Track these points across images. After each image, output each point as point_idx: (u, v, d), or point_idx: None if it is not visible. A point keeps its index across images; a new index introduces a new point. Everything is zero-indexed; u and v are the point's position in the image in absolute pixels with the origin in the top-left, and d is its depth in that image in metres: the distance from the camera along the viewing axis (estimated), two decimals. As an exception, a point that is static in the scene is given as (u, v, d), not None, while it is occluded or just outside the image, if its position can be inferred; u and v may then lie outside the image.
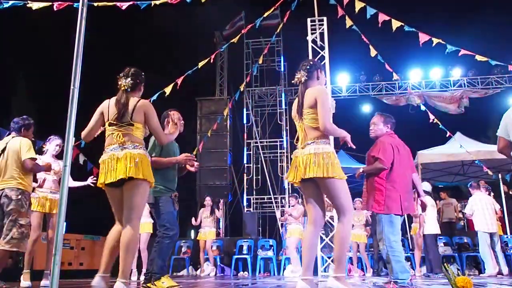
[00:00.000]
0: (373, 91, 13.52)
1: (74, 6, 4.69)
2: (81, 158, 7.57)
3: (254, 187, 13.38)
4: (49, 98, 11.88)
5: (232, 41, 8.41)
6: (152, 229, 7.09)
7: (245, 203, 12.95)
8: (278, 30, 10.53)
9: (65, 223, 2.39)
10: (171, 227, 4.01)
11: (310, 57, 6.89)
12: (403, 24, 7.09)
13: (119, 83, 3.33)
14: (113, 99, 3.31)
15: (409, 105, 12.94)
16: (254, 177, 13.48)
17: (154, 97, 7.36)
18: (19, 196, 4.15)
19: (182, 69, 7.69)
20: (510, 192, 10.08)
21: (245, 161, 13.45)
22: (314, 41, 7.09)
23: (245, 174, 13.28)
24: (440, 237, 8.30)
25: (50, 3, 5.67)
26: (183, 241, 9.68)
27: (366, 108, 13.88)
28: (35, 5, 5.61)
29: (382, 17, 7.06)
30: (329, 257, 6.76)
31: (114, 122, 3.24)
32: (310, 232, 3.24)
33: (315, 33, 7.13)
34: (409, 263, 8.09)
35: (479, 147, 10.46)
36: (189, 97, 12.19)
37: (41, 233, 5.24)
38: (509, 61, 7.98)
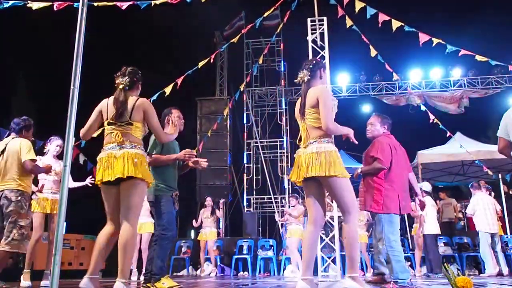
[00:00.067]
0: (373, 91, 13.53)
1: (74, 6, 4.69)
2: (81, 158, 7.57)
3: (254, 187, 13.38)
4: (49, 98, 11.88)
5: (232, 41, 8.41)
6: (154, 229, 7.10)
7: (245, 203, 12.95)
8: (278, 30, 10.53)
9: (65, 223, 2.39)
10: (169, 228, 4.01)
11: (310, 57, 6.88)
12: (403, 24, 7.09)
13: (117, 82, 3.33)
14: (112, 98, 3.31)
15: (409, 105, 12.94)
16: (254, 177, 13.48)
17: (154, 97, 7.36)
18: (19, 198, 4.14)
19: (182, 69, 7.69)
20: (510, 192, 10.08)
21: (245, 161, 13.46)
22: (314, 41, 7.07)
23: (245, 174, 13.29)
24: (440, 237, 8.30)
25: (50, 3, 5.67)
26: (183, 241, 9.69)
27: (366, 108, 13.88)
28: (35, 5, 5.61)
29: (382, 17, 7.06)
30: (329, 257, 6.75)
31: (113, 121, 3.24)
32: (310, 231, 3.23)
33: (315, 33, 7.12)
34: (409, 263, 8.09)
35: (479, 147, 10.46)
36: (189, 97, 12.19)
37: (42, 233, 5.24)
38: (509, 61, 7.98)
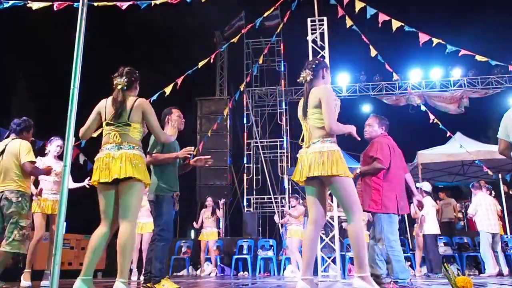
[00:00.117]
0: (373, 91, 13.52)
1: (74, 6, 4.69)
2: (81, 158, 7.57)
3: (254, 187, 13.38)
4: (49, 98, 11.87)
5: (232, 41, 8.41)
6: (154, 229, 7.11)
7: (245, 203, 12.94)
8: (278, 30, 10.52)
9: (65, 223, 2.39)
10: (167, 229, 4.02)
11: (311, 57, 6.88)
12: (403, 24, 7.09)
13: (115, 82, 3.33)
14: (110, 99, 3.31)
15: (409, 105, 12.94)
16: (254, 177, 13.48)
17: (154, 97, 7.36)
18: (19, 199, 4.15)
19: (182, 69, 7.69)
20: (510, 192, 10.08)
21: (245, 161, 13.46)
22: (314, 41, 7.07)
23: (245, 174, 13.28)
24: (440, 237, 8.30)
25: (50, 3, 5.67)
26: (183, 241, 9.69)
27: (366, 108, 13.88)
28: (35, 5, 5.61)
29: (382, 17, 7.06)
30: (329, 257, 6.75)
31: (111, 122, 3.24)
32: (311, 231, 3.22)
33: (315, 33, 7.12)
34: (409, 263, 8.09)
35: (479, 147, 10.46)
36: (189, 97, 12.19)
37: (44, 234, 5.24)
38: (509, 61, 7.98)
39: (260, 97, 14.61)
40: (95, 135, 3.70)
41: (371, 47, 7.40)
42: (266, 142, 13.84)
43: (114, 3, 5.91)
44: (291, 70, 14.19)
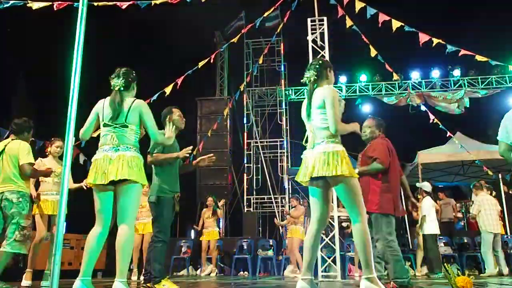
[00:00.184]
0: (373, 91, 13.52)
1: (74, 5, 4.69)
2: (81, 158, 7.58)
3: (254, 187, 13.38)
4: (49, 98, 11.87)
5: (232, 41, 8.42)
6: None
7: (245, 203, 12.94)
8: (278, 30, 10.53)
9: (65, 223, 2.39)
10: (164, 231, 4.03)
11: (310, 57, 6.88)
12: (403, 24, 7.10)
13: (112, 83, 3.33)
14: (108, 99, 3.31)
15: (409, 105, 12.94)
16: (254, 177, 13.48)
17: (154, 97, 7.37)
18: (20, 199, 4.15)
19: (182, 69, 7.70)
20: (510, 192, 10.08)
21: (245, 161, 13.46)
22: (314, 41, 7.08)
23: (245, 174, 13.28)
24: (440, 237, 8.30)
25: (50, 3, 5.67)
26: (183, 241, 9.68)
27: (366, 108, 13.88)
28: (35, 5, 5.61)
29: (382, 17, 7.07)
30: (329, 257, 6.75)
31: (109, 123, 3.24)
32: (313, 232, 3.21)
33: (315, 33, 7.12)
34: (409, 263, 8.09)
35: (479, 147, 10.46)
36: (189, 97, 12.18)
37: (45, 235, 5.24)
38: (509, 61, 7.99)
39: (260, 97, 14.61)
40: (95, 135, 3.70)
41: (371, 47, 7.41)
42: (266, 142, 13.84)
43: (114, 3, 5.91)
44: (291, 70, 14.20)
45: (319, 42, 7.10)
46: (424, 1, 15.22)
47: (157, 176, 4.12)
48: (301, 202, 8.41)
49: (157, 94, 7.40)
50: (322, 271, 6.50)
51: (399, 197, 4.28)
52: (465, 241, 8.84)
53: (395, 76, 9.46)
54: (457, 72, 13.10)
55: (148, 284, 3.95)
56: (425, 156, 10.72)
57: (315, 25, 7.20)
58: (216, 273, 8.61)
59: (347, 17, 7.24)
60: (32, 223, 4.88)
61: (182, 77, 7.54)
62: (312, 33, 7.14)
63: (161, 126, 4.28)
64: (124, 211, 3.14)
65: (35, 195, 5.14)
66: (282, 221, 9.72)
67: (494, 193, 8.13)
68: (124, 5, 6.05)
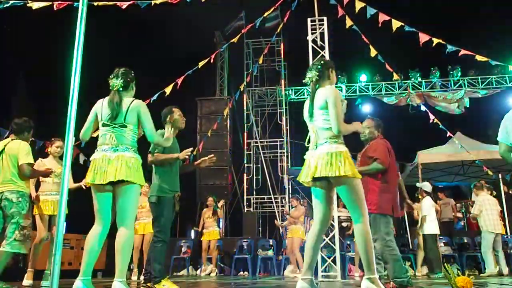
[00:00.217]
0: (373, 91, 13.52)
1: (74, 5, 4.69)
2: (81, 158, 7.58)
3: (254, 187, 13.38)
4: (49, 98, 11.87)
5: (232, 41, 8.42)
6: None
7: (245, 203, 12.95)
8: (278, 30, 10.53)
9: (65, 223, 2.39)
10: (164, 231, 4.03)
11: (310, 57, 6.88)
12: (403, 24, 7.10)
13: (111, 84, 3.34)
14: (106, 99, 3.32)
15: (409, 105, 12.94)
16: (254, 177, 13.48)
17: (154, 97, 7.37)
18: (20, 199, 4.15)
19: (182, 69, 7.70)
20: (510, 192, 10.07)
21: (245, 161, 13.46)
22: (314, 41, 7.08)
23: (245, 174, 13.28)
24: (440, 237, 8.30)
25: (50, 3, 5.68)
26: (183, 241, 9.68)
27: (366, 108, 13.88)
28: (35, 5, 5.61)
29: (382, 17, 7.07)
30: (329, 257, 6.75)
31: (108, 123, 3.25)
32: (315, 232, 3.20)
33: (315, 33, 7.12)
34: (409, 263, 8.10)
35: (479, 147, 10.46)
36: (189, 97, 12.18)
37: (46, 234, 5.24)
38: (509, 61, 8.00)
39: (260, 97, 14.61)
40: (95, 135, 3.71)
41: (371, 47, 7.41)
42: (266, 142, 13.84)
43: (114, 2, 5.92)
44: (291, 70, 14.20)
45: (319, 42, 7.10)
46: (424, 1, 15.23)
47: (158, 175, 4.13)
48: (301, 202, 8.41)
49: (157, 94, 7.40)
50: (322, 271, 6.50)
51: (397, 197, 4.28)
52: (465, 241, 8.84)
53: (395, 76, 9.46)
54: (457, 72, 13.08)
55: (148, 284, 3.95)
56: (425, 156, 10.72)
57: (315, 25, 7.20)
58: (216, 273, 8.61)
59: (347, 17, 7.24)
60: (32, 223, 4.88)
61: (182, 77, 7.55)
62: (312, 33, 7.14)
63: (161, 126, 4.29)
64: (123, 213, 3.16)
65: (34, 195, 5.14)
66: (283, 221, 9.73)
67: (494, 193, 8.13)
68: (124, 5, 6.05)
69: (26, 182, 4.33)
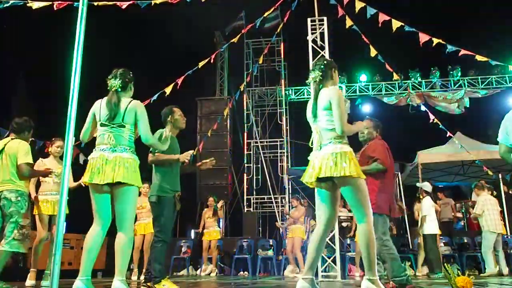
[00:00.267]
0: (373, 91, 13.52)
1: (74, 5, 4.69)
2: (81, 158, 7.58)
3: (254, 187, 13.38)
4: (49, 98, 11.87)
5: (232, 41, 8.42)
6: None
7: (245, 203, 12.95)
8: (278, 30, 10.53)
9: (65, 223, 2.38)
10: (164, 231, 4.03)
11: (310, 57, 6.88)
12: (403, 24, 7.09)
13: (109, 84, 3.35)
14: (105, 100, 3.33)
15: (409, 105, 12.94)
16: (254, 177, 13.48)
17: (155, 97, 7.37)
18: (19, 198, 4.15)
19: (182, 69, 7.70)
20: (510, 192, 10.07)
21: (245, 161, 13.46)
22: (314, 41, 7.08)
23: (245, 174, 13.29)
24: (440, 237, 8.31)
25: (50, 3, 5.67)
26: (183, 241, 9.68)
27: (366, 108, 13.88)
28: (35, 5, 5.61)
29: (382, 17, 7.07)
30: (329, 257, 6.75)
31: (106, 123, 3.26)
32: (320, 233, 3.19)
33: (315, 33, 7.12)
34: (409, 263, 8.10)
35: (479, 147, 10.46)
36: (189, 97, 12.18)
37: (47, 234, 5.24)
38: (509, 61, 8.00)
39: (260, 97, 14.61)
40: (95, 135, 3.71)
41: (371, 47, 7.41)
42: (266, 142, 13.84)
43: (114, 2, 5.92)
44: (291, 70, 14.20)
45: (319, 42, 7.11)
46: (424, 1, 15.23)
47: (158, 175, 4.12)
48: (302, 203, 8.41)
49: (157, 94, 7.40)
50: (322, 271, 6.50)
51: (394, 198, 4.30)
52: (465, 241, 8.84)
53: (395, 76, 9.46)
54: (457, 72, 13.08)
55: (148, 284, 3.95)
56: (425, 156, 10.72)
57: (315, 25, 7.20)
58: (216, 273, 8.62)
59: (347, 17, 7.24)
60: (32, 223, 4.88)
61: (182, 77, 7.54)
62: (312, 33, 7.14)
63: (161, 125, 4.29)
64: (122, 216, 3.18)
65: (34, 196, 5.14)
66: (283, 221, 9.72)
67: (495, 193, 8.13)
68: (124, 5, 6.05)
69: (25, 181, 4.33)
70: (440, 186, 12.45)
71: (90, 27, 2.56)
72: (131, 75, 3.45)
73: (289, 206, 9.68)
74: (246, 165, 13.43)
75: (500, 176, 10.15)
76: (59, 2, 5.71)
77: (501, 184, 9.90)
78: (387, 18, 7.07)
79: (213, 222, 8.73)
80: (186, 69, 7.61)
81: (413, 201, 8.82)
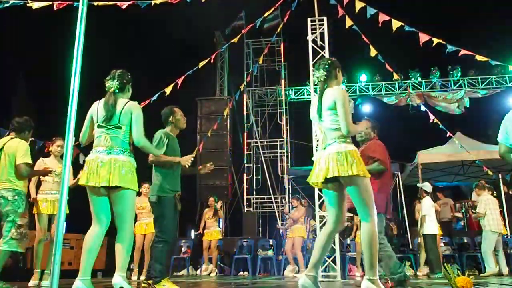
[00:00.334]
0: (373, 91, 13.52)
1: (74, 5, 4.69)
2: (81, 158, 7.57)
3: (254, 187, 13.38)
4: (49, 98, 11.87)
5: (232, 41, 8.42)
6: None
7: (245, 203, 12.94)
8: (278, 30, 10.53)
9: (65, 223, 2.39)
10: (166, 231, 4.02)
11: (310, 57, 6.88)
12: (403, 24, 7.09)
13: (107, 85, 3.35)
14: (102, 101, 3.33)
15: (409, 105, 12.94)
16: (254, 177, 13.48)
17: (155, 97, 7.37)
18: (16, 197, 4.15)
19: (182, 69, 7.70)
20: (510, 192, 10.07)
21: (245, 161, 13.46)
22: (314, 41, 7.08)
23: (245, 174, 13.28)
24: (441, 237, 8.30)
25: (50, 3, 5.67)
26: (183, 241, 9.68)
27: (366, 108, 13.88)
28: (35, 5, 5.61)
29: (382, 17, 7.07)
30: (329, 257, 6.75)
31: (103, 124, 3.26)
32: (327, 232, 3.18)
33: (315, 33, 7.13)
34: (409, 263, 8.10)
35: (479, 147, 10.45)
36: (189, 97, 12.18)
37: (46, 234, 5.24)
38: (509, 61, 8.00)
39: (260, 97, 14.61)
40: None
41: (371, 47, 7.40)
42: (266, 142, 13.84)
43: (114, 2, 5.91)
44: (291, 70, 14.20)
45: (319, 42, 7.11)
46: (424, 1, 15.23)
47: (158, 175, 4.12)
48: (302, 203, 8.41)
49: (157, 94, 7.40)
50: (322, 271, 6.50)
51: (390, 198, 4.31)
52: (465, 241, 8.84)
53: (395, 76, 9.46)
54: (457, 72, 13.07)
55: (149, 281, 3.96)
56: (425, 156, 10.72)
57: (315, 25, 7.20)
58: (216, 273, 8.62)
59: (347, 17, 7.24)
60: (32, 223, 4.88)
61: (182, 77, 7.54)
62: (312, 33, 7.14)
63: (161, 125, 4.29)
64: (120, 217, 3.19)
65: (34, 196, 5.13)
66: (283, 221, 9.72)
67: (495, 193, 8.13)
68: (124, 5, 6.05)
69: (24, 181, 4.32)
70: (440, 186, 12.45)
71: (90, 27, 2.56)
72: (129, 76, 3.44)
73: (289, 206, 9.68)
74: (246, 165, 13.43)
75: (500, 176, 10.14)
76: (59, 2, 5.71)
77: (501, 184, 9.89)
78: (387, 18, 7.07)
79: (213, 222, 8.73)
80: (186, 69, 7.61)
81: (413, 201, 8.82)
